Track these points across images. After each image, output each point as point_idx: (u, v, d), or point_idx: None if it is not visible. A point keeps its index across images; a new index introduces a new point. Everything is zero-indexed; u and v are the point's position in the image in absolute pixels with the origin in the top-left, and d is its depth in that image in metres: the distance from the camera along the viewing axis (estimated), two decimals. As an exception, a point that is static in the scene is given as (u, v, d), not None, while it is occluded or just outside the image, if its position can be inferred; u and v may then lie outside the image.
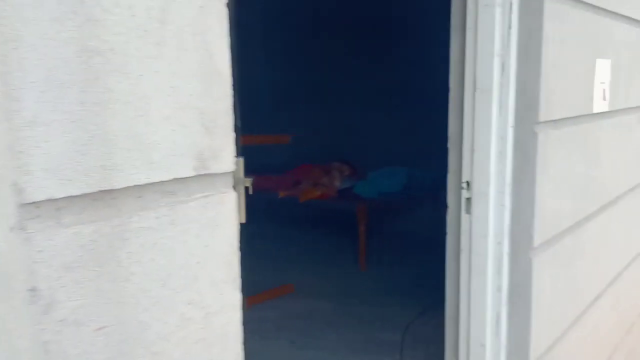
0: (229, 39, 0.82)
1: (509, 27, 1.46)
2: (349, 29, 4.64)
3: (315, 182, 4.15)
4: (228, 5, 0.82)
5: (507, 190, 1.52)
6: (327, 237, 4.26)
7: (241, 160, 0.88)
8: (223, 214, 0.84)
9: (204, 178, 0.80)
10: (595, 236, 2.05)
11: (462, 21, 1.53)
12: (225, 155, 0.83)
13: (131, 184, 0.69)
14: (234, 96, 0.84)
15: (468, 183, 1.57)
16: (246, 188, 0.90)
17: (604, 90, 1.90)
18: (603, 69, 1.87)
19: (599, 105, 1.89)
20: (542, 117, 1.49)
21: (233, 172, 0.86)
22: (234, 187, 0.87)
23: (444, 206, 1.68)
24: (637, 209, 2.54)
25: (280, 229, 4.25)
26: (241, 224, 0.90)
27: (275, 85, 4.84)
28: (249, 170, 0.90)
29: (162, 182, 0.74)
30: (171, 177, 0.75)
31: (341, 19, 4.68)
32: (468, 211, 1.58)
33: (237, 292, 0.87)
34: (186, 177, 0.77)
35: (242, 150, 0.89)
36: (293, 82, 4.85)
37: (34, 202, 0.60)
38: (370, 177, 4.22)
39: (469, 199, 1.57)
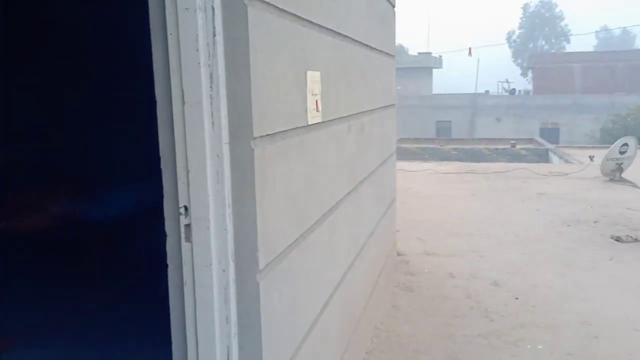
0: None
1: (214, 35, 1.33)
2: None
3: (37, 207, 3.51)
4: None
5: (228, 212, 1.39)
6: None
7: None
8: None
9: None
10: (322, 243, 2.10)
11: (162, 26, 1.35)
12: None
13: None
14: None
15: (186, 208, 1.40)
16: None
17: (316, 101, 1.95)
18: (314, 80, 1.91)
19: (314, 116, 1.92)
20: (257, 131, 1.41)
21: None
22: None
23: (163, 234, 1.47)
24: (355, 210, 2.75)
25: None
26: None
27: None
28: None
29: None
30: None
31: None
32: (188, 239, 1.41)
33: None
34: None
35: None
36: None
37: None
38: (100, 197, 3.77)
39: (188, 225, 1.40)
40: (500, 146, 17.72)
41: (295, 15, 1.72)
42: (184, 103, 1.35)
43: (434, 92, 42.48)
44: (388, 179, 3.98)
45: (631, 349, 3.08)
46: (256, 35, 1.39)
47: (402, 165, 11.10)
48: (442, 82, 49.61)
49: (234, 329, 1.42)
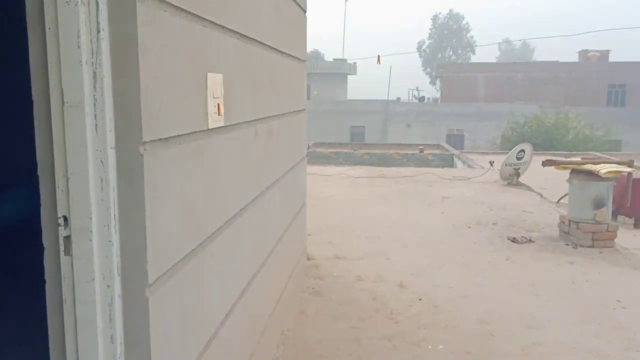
0: None
1: (98, 31, 1.23)
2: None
3: None
4: None
5: (114, 223, 1.29)
6: None
7: None
8: None
9: None
10: (225, 251, 2.03)
11: (40, 20, 1.23)
12: None
13: None
14: None
15: (65, 218, 1.28)
16: None
17: (218, 105, 1.88)
18: (215, 83, 1.84)
19: (215, 120, 1.85)
20: (148, 135, 1.32)
21: None
22: None
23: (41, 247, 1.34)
24: (263, 216, 2.69)
25: None
26: None
27: None
28: None
29: None
30: None
31: None
32: (68, 252, 1.29)
33: None
34: None
35: None
36: None
37: None
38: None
39: (67, 237, 1.28)
40: (410, 151, 18.39)
41: (195, 14, 1.64)
42: (63, 104, 1.23)
43: (348, 97, 43.39)
44: (298, 183, 3.97)
45: (524, 345, 3.27)
46: (147, 32, 1.30)
47: (316, 169, 11.21)
48: (357, 88, 50.79)
49: (119, 348, 1.32)
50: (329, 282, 4.27)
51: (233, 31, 2.07)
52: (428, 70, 68.32)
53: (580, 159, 5.74)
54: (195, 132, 1.67)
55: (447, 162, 16.56)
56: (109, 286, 1.30)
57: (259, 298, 2.65)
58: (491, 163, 10.68)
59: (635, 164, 13.35)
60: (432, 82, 60.46)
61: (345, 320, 3.54)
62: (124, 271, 1.32)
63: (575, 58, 39.96)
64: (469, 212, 6.96)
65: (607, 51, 38.74)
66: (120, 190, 1.30)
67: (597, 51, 38.42)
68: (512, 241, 5.56)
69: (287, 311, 3.42)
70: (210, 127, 1.80)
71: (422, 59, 73.24)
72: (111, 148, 1.27)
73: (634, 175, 6.81)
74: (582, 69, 36.47)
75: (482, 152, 16.87)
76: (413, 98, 43.62)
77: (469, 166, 12.93)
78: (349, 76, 44.23)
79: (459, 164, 15.09)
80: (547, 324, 3.57)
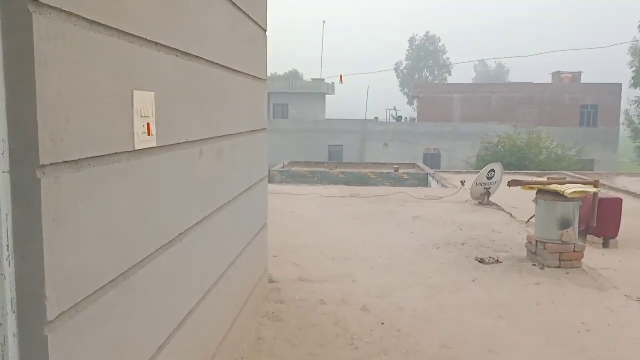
0: None
1: (-12, 45, 1.13)
2: None
3: None
4: None
5: (7, 254, 1.18)
6: None
7: None
8: None
9: None
10: (159, 279, 1.92)
11: None
12: None
13: None
14: None
15: (-47, 249, 1.16)
16: None
17: (148, 124, 1.78)
18: (144, 101, 1.75)
19: (144, 141, 1.75)
20: (48, 158, 1.21)
21: None
22: None
23: None
24: (211, 239, 2.58)
25: None
26: None
27: None
28: None
29: None
30: None
31: None
32: (-45, 287, 1.16)
33: None
34: None
35: None
36: None
37: None
38: None
39: (-45, 271, 1.16)
40: (385, 170, 18.44)
41: (118, 30, 1.55)
42: (-51, 123, 1.12)
43: (327, 117, 43.60)
44: (258, 204, 3.86)
45: (485, 371, 3.19)
46: (47, 47, 1.20)
47: (289, 189, 11.12)
48: (335, 107, 51.12)
49: (13, 393, 1.19)
50: (290, 307, 4.14)
51: (171, 48, 1.99)
52: (406, 90, 69.23)
53: (546, 179, 5.75)
54: (117, 153, 1.56)
55: (422, 181, 16.63)
56: (1, 324, 1.18)
57: (206, 326, 2.52)
58: (463, 183, 10.72)
59: (606, 182, 13.53)
60: (410, 102, 61.18)
61: (304, 347, 3.42)
62: (20, 308, 1.20)
63: (548, 79, 40.84)
64: (439, 232, 6.92)
65: (579, 73, 39.70)
66: (16, 218, 1.19)
67: (569, 73, 39.34)
68: (480, 262, 5.51)
69: (242, 338, 3.28)
70: (137, 148, 1.70)
71: (399, 79, 74.32)
72: (4, 172, 1.16)
73: (600, 195, 6.87)
74: (555, 90, 37.28)
75: (457, 172, 16.98)
76: (391, 118, 44.00)
77: (443, 185, 12.97)
78: (327, 96, 44.47)
79: (433, 183, 15.14)
80: (510, 348, 3.50)
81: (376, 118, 42.97)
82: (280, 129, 37.75)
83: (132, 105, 1.65)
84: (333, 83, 45.44)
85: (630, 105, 36.16)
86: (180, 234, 2.13)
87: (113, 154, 1.54)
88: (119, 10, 1.55)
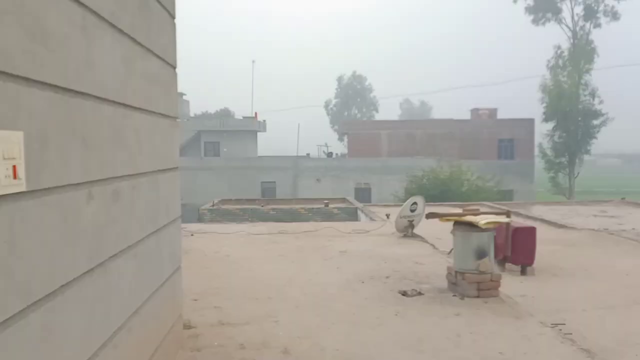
0: None
1: None
2: None
3: None
4: None
5: None
6: None
7: None
8: None
9: None
10: (27, 339, 1.72)
11: None
12: None
13: None
14: None
15: None
16: None
17: (14, 167, 1.62)
18: (9, 142, 1.59)
19: (9, 185, 1.59)
20: None
21: None
22: None
23: None
24: (103, 290, 2.39)
25: None
26: None
27: None
28: None
29: None
30: None
31: None
32: None
33: None
34: None
35: None
36: None
37: None
38: None
39: None
40: (316, 206, 18.48)
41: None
42: None
43: (259, 154, 43.55)
44: (169, 247, 3.67)
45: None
46: None
47: (215, 227, 10.85)
48: (267, 144, 51.19)
49: None
50: (206, 354, 3.92)
51: (46, 83, 1.85)
52: (336, 127, 70.63)
53: (462, 210, 5.91)
54: (-31, 200, 1.40)
55: (352, 215, 16.77)
56: None
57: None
58: (387, 216, 10.88)
59: (523, 211, 14.18)
60: (340, 139, 62.34)
61: (217, 398, 3.22)
62: None
63: (468, 115, 43.03)
64: (364, 266, 6.91)
65: (495, 109, 42.16)
66: None
67: (486, 109, 41.70)
68: (403, 295, 5.52)
69: (148, 393, 3.04)
70: (1, 194, 1.53)
71: (329, 116, 75.89)
72: None
73: (515, 224, 7.15)
74: (474, 125, 39.29)
75: (384, 205, 17.28)
76: (322, 153, 44.59)
77: (371, 219, 13.11)
78: (259, 133, 44.52)
79: (362, 216, 15.30)
80: (429, 383, 3.46)
81: (308, 154, 43.39)
82: (212, 167, 37.26)
83: (-9, 146, 1.50)
84: (264, 120, 45.65)
85: (543, 138, 38.67)
86: (62, 285, 1.94)
87: (-38, 200, 1.37)
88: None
